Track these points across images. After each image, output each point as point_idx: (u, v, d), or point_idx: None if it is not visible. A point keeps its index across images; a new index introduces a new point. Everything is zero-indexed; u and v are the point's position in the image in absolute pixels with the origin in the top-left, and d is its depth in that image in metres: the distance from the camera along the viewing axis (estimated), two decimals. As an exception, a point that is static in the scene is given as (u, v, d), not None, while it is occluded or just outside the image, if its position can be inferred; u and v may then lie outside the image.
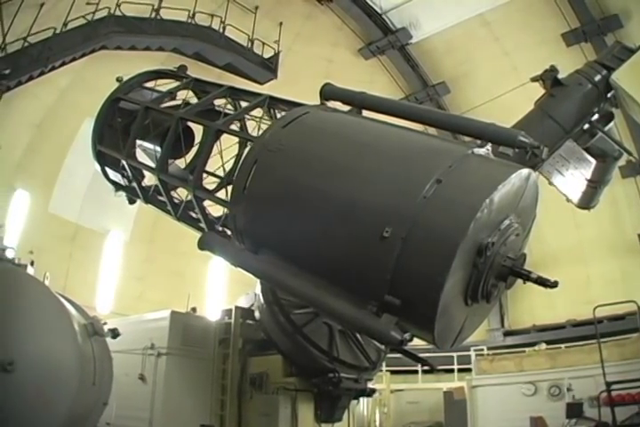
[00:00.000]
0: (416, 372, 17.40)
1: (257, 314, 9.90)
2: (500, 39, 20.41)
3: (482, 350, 16.26)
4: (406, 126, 5.98)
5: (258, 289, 9.65)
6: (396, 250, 4.63)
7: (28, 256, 8.23)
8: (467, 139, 6.33)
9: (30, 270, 7.28)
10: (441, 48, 21.58)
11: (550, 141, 8.44)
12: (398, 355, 9.70)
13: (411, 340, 4.91)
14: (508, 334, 20.83)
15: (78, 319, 7.16)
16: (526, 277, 5.04)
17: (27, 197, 16.89)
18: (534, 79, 9.40)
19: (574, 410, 11.15)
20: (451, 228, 4.55)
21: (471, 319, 5.19)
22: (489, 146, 5.41)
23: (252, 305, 10.20)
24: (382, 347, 9.74)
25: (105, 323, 8.08)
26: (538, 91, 9.50)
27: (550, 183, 10.27)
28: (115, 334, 8.02)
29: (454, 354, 16.84)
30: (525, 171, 5.04)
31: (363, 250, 4.90)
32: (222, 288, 20.84)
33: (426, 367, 13.47)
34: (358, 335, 9.57)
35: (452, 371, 17.06)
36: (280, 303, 9.21)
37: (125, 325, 9.14)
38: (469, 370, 15.28)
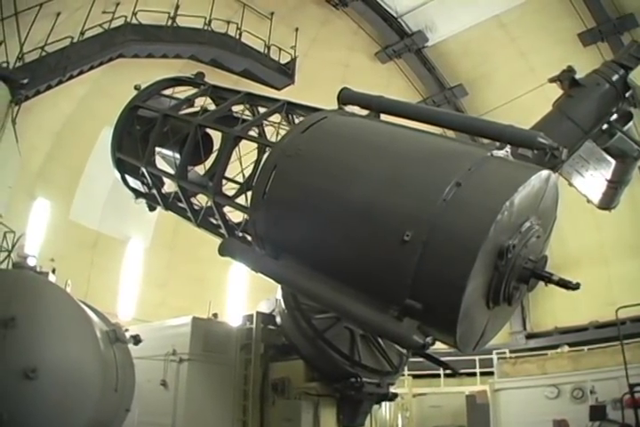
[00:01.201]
0: (438, 376, 17.28)
1: (278, 319, 9.89)
2: (516, 40, 20.29)
3: (504, 353, 16.17)
4: (424, 129, 5.97)
5: (279, 294, 9.64)
6: (417, 254, 4.63)
7: (49, 264, 8.28)
8: (485, 141, 6.31)
9: (52, 278, 7.34)
10: (457, 50, 21.51)
11: (569, 142, 8.38)
12: (420, 359, 9.73)
13: (433, 344, 4.90)
14: (530, 336, 20.63)
15: (100, 326, 7.20)
16: (548, 279, 5.01)
17: (47, 205, 17.04)
18: (552, 80, 9.34)
19: (598, 413, 11.02)
20: (471, 231, 4.54)
21: (493, 322, 5.17)
22: (508, 148, 5.39)
23: (274, 310, 10.19)
24: (404, 351, 9.69)
25: (127, 329, 8.13)
26: (556, 92, 9.44)
27: (570, 184, 10.19)
28: (137, 340, 8.06)
29: (476, 357, 16.72)
30: (545, 172, 5.02)
31: (383, 254, 4.89)
32: (243, 294, 20.90)
33: (448, 371, 13.38)
34: (380, 340, 9.53)
35: (474, 374, 16.94)
36: (301, 308, 9.20)
37: (147, 331, 9.19)
38: (492, 373, 15.20)
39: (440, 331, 4.88)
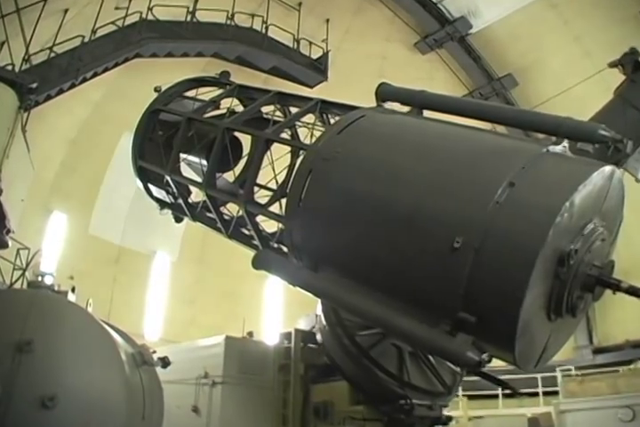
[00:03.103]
0: (496, 396, 17.11)
1: (319, 337, 9.93)
2: (569, 22, 20.08)
3: (569, 370, 15.93)
4: (472, 126, 5.97)
5: (319, 310, 9.68)
6: (469, 262, 4.62)
7: (68, 282, 8.43)
8: (540, 136, 6.28)
9: (71, 297, 7.38)
10: (505, 37, 21.39)
11: (635, 133, 8.25)
12: (476, 378, 9.62)
13: (489, 361, 4.88)
14: (597, 351, 20.29)
15: (125, 348, 7.18)
16: (616, 286, 4.94)
17: (64, 219, 17.36)
18: (612, 64, 9.24)
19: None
20: (528, 235, 4.52)
21: (556, 336, 5.12)
22: (565, 143, 5.35)
23: (313, 327, 10.22)
24: (458, 369, 9.63)
25: (154, 351, 8.18)
26: (616, 77, 9.32)
27: (637, 180, 10.04)
28: (165, 363, 8.11)
29: (538, 375, 16.52)
30: (608, 168, 4.97)
31: (432, 263, 4.90)
32: (280, 310, 21.01)
33: (507, 391, 13.23)
34: (431, 357, 9.49)
35: (536, 395, 16.73)
36: (344, 324, 9.21)
37: (176, 352, 9.26)
38: (556, 393, 14.98)
39: (497, 347, 4.85)
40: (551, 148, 5.21)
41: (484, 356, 4.79)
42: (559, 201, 4.52)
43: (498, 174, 4.86)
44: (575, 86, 18.68)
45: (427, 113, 6.41)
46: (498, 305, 4.55)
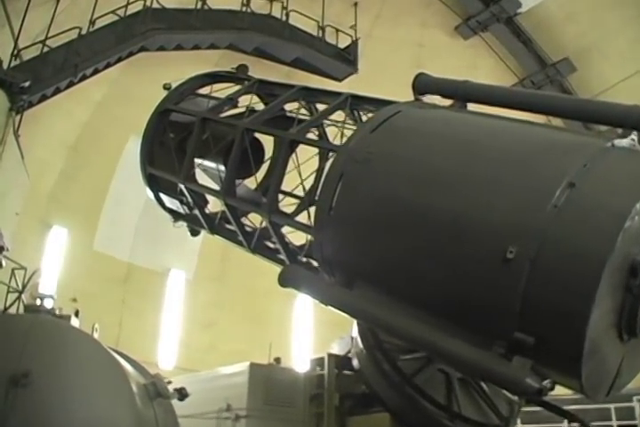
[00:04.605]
0: (561, 430, 16.91)
1: (355, 362, 9.91)
2: (635, -4, 19.90)
3: (648, 399, 15.66)
4: (524, 119, 5.94)
5: (354, 332, 9.67)
6: (525, 274, 4.59)
7: (71, 305, 8.48)
8: (603, 128, 6.22)
9: (75, 322, 7.45)
10: (559, 15, 21.22)
11: None
12: (537, 408, 9.55)
13: (552, 388, 4.83)
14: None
15: (136, 379, 7.17)
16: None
17: (65, 234, 17.48)
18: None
19: None
20: (593, 242, 4.48)
21: (630, 359, 5.06)
22: (634, 135, 5.31)
23: (349, 352, 10.21)
24: (515, 398, 9.55)
25: (169, 382, 8.21)
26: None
27: None
28: (182, 394, 8.11)
29: (611, 406, 16.20)
30: (684, 165, 4.92)
31: (482, 276, 4.88)
32: (310, 333, 21.00)
33: (574, 424, 13.05)
34: (483, 384, 9.43)
35: (609, 428, 16.49)
36: (383, 348, 9.19)
37: (194, 383, 9.29)
38: (634, 427, 14.76)
39: (560, 372, 4.82)
40: (617, 142, 5.17)
41: (546, 382, 4.75)
42: (628, 203, 4.48)
43: (555, 174, 4.84)
44: (643, 70, 18.52)
45: (471, 106, 6.41)
46: (560, 324, 4.52)
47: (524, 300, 4.60)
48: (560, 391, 4.99)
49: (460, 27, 22.13)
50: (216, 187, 8.13)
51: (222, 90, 8.84)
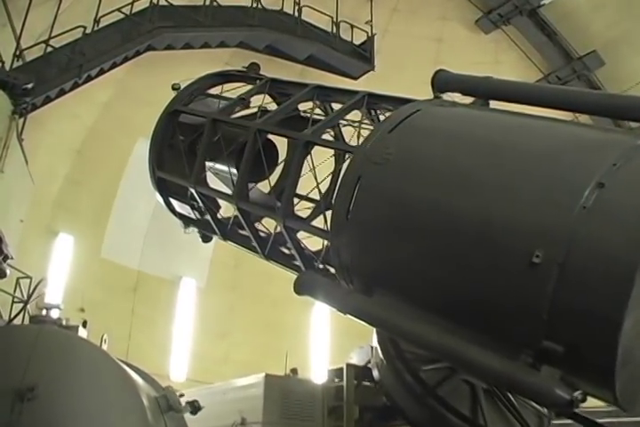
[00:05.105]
0: (594, 443, 16.77)
1: (375, 373, 9.89)
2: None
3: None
4: (550, 117, 5.92)
5: (374, 341, 9.65)
6: (552, 280, 4.56)
7: (78, 315, 8.54)
8: (634, 125, 6.19)
9: (82, 333, 7.51)
10: (586, 5, 21.14)
11: None
12: (568, 421, 9.48)
13: (583, 400, 4.79)
14: None
15: (147, 392, 7.16)
16: None
17: (71, 241, 17.57)
18: None
19: None
20: (624, 245, 4.45)
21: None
22: (667, 132, 5.28)
23: (369, 362, 10.20)
24: (545, 411, 9.51)
25: (182, 395, 8.21)
26: None
27: None
28: (195, 408, 8.11)
29: (649, 418, 16.15)
30: None
31: (507, 282, 4.86)
32: (328, 342, 21.01)
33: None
34: (510, 396, 9.39)
35: (646, 442, 16.36)
36: (405, 358, 9.16)
37: (207, 395, 9.32)
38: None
39: (592, 382, 4.77)
40: (648, 139, 5.14)
41: (577, 394, 4.71)
42: (660, 203, 4.46)
43: (583, 174, 4.81)
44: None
45: (494, 104, 6.39)
46: (591, 331, 4.48)
47: (552, 307, 4.57)
48: (593, 403, 4.94)
49: (480, 20, 22.10)
50: (228, 191, 8.15)
51: (233, 90, 8.86)
